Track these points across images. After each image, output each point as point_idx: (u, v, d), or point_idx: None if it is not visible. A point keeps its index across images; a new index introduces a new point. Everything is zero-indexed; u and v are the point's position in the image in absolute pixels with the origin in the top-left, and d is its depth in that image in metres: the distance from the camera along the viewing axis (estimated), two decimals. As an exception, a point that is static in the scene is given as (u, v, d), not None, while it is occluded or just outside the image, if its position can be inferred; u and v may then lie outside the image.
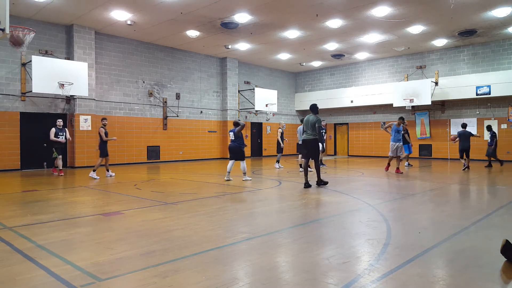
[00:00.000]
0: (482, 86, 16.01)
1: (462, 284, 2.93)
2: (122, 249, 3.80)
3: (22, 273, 3.16)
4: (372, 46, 16.86)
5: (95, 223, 5.05)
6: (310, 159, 8.68)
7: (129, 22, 13.34)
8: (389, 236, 4.26)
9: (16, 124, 12.70)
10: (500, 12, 12.41)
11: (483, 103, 16.72)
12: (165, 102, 16.80)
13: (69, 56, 13.74)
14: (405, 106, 17.54)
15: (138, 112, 15.96)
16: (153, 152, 16.41)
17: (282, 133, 13.63)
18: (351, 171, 12.65)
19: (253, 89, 19.37)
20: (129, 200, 6.84)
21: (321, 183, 8.44)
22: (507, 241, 3.38)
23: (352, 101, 20.27)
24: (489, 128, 14.10)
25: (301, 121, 12.67)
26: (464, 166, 12.63)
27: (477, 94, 16.16)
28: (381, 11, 12.26)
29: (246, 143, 10.43)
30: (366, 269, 3.20)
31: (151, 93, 16.28)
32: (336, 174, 11.59)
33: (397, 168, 11.54)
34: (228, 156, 10.08)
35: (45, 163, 13.44)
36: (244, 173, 9.62)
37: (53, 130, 11.16)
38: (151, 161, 16.30)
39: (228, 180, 9.61)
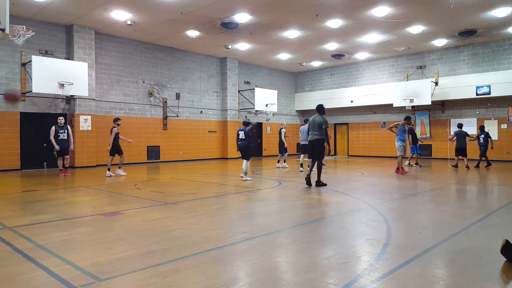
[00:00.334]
0: (482, 86, 16.01)
1: (462, 284, 2.93)
2: (122, 249, 3.80)
3: (22, 273, 3.16)
4: (372, 46, 16.86)
5: (95, 223, 5.05)
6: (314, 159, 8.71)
7: (129, 22, 13.34)
8: (389, 236, 4.26)
9: (16, 124, 12.70)
10: (500, 12, 12.41)
11: (483, 103, 16.73)
12: (165, 102, 16.80)
13: (69, 56, 13.74)
14: (405, 106, 17.55)
15: (138, 112, 15.96)
16: (153, 152, 16.41)
17: (285, 133, 13.73)
18: (351, 171, 12.65)
19: (253, 89, 19.37)
20: (129, 200, 6.84)
21: (320, 183, 8.45)
22: (507, 241, 3.38)
23: (352, 101, 20.28)
24: (482, 128, 14.02)
25: (305, 121, 12.74)
26: (455, 164, 13.16)
27: (477, 94, 16.16)
28: (381, 11, 12.26)
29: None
30: (366, 269, 3.20)
31: (151, 93, 16.28)
32: (336, 174, 11.59)
33: (401, 168, 11.47)
34: (240, 156, 10.16)
35: (45, 163, 13.44)
36: (245, 173, 9.66)
37: (53, 128, 10.74)
38: (151, 161, 16.30)
39: (244, 177, 9.70)
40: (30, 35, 9.50)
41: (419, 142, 14.92)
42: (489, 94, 15.83)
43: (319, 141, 8.38)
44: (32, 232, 4.51)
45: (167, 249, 3.76)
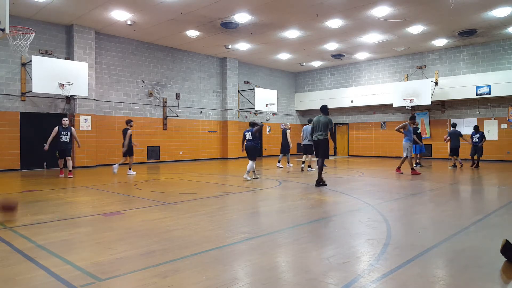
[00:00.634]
0: (482, 86, 16.01)
1: (462, 284, 2.93)
2: (122, 249, 3.80)
3: (22, 273, 3.16)
4: (372, 46, 16.86)
5: (95, 223, 5.05)
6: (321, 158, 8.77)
7: (129, 22, 13.34)
8: (389, 236, 4.26)
9: (16, 124, 12.70)
10: (500, 12, 12.41)
11: (483, 103, 16.72)
12: (165, 102, 16.80)
13: (69, 56, 13.74)
14: (405, 106, 17.55)
15: (138, 112, 15.96)
16: (153, 152, 16.41)
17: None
18: (351, 171, 12.65)
19: (253, 89, 19.38)
20: (129, 200, 6.84)
21: (320, 183, 8.46)
22: (507, 241, 3.38)
23: (352, 101, 20.28)
24: (476, 128, 13.87)
25: (309, 121, 13.01)
26: (453, 164, 13.14)
27: (477, 94, 16.16)
28: (381, 11, 12.26)
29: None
30: (366, 269, 3.20)
31: (151, 93, 16.28)
32: (336, 174, 11.59)
33: (399, 168, 11.52)
34: (246, 156, 10.26)
35: (45, 163, 13.44)
36: (248, 172, 9.79)
37: (56, 129, 10.50)
38: (151, 161, 16.30)
39: (255, 178, 9.86)
40: (31, 37, 9.49)
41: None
42: (489, 94, 15.82)
43: (323, 141, 8.54)
44: (32, 232, 4.51)
45: (167, 249, 3.76)
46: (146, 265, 3.30)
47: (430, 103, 16.80)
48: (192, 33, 14.64)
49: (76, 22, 13.46)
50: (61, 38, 13.77)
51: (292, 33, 14.79)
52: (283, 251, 3.79)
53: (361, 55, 18.88)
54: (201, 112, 18.31)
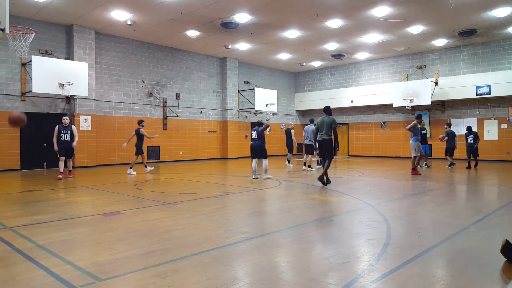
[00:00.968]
0: (482, 86, 16.01)
1: (462, 284, 2.93)
2: (122, 249, 3.80)
3: (22, 273, 3.16)
4: (372, 46, 16.86)
5: (95, 223, 5.05)
6: (327, 159, 8.82)
7: (129, 22, 13.34)
8: (389, 236, 4.26)
9: (16, 124, 12.67)
10: (500, 12, 12.41)
11: (483, 103, 16.72)
12: (165, 102, 16.80)
13: (69, 56, 13.74)
14: (405, 106, 17.54)
15: (138, 112, 15.96)
16: (153, 152, 16.41)
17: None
18: (351, 171, 12.65)
19: (253, 89, 19.38)
20: (129, 200, 6.84)
21: (322, 179, 8.50)
22: (507, 241, 3.38)
23: (352, 101, 20.28)
24: (469, 129, 13.64)
25: (310, 121, 13.60)
26: (449, 163, 13.16)
27: (477, 94, 16.16)
28: (381, 11, 12.26)
29: (246, 143, 10.64)
30: (366, 269, 3.20)
31: (151, 93, 16.28)
32: (336, 174, 11.58)
33: (413, 169, 11.20)
34: (250, 155, 10.43)
35: (45, 163, 13.43)
36: (266, 171, 10.02)
37: (56, 128, 10.29)
38: (151, 161, 16.29)
39: (256, 178, 9.94)
40: (31, 38, 9.50)
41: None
42: (489, 94, 15.82)
43: (328, 141, 8.66)
44: (32, 232, 4.51)
45: (167, 249, 3.76)
46: (146, 265, 3.30)
47: (430, 103, 16.80)
48: (192, 33, 14.64)
49: (76, 22, 13.46)
50: (61, 38, 13.76)
51: (292, 33, 14.79)
52: (283, 251, 3.79)
53: (361, 55, 18.87)
54: (201, 112, 18.30)
